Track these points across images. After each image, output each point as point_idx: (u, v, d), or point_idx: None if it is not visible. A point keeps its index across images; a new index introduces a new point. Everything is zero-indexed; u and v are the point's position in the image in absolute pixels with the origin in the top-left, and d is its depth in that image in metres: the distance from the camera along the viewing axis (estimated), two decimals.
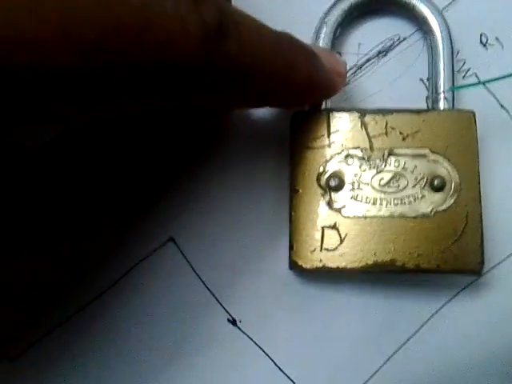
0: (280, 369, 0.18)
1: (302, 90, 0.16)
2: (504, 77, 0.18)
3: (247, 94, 0.14)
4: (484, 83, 0.18)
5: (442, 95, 0.18)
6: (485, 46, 0.19)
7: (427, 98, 0.19)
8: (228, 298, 0.18)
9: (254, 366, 0.18)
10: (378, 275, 0.18)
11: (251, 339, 0.18)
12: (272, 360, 0.18)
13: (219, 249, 0.18)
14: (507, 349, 0.18)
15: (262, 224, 0.18)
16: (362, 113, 0.17)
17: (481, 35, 0.19)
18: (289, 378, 0.18)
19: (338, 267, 0.17)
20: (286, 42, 0.15)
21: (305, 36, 0.18)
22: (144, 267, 0.18)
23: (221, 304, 0.18)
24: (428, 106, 0.19)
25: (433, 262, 0.17)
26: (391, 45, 0.19)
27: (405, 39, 0.19)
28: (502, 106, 0.19)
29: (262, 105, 0.17)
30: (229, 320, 0.18)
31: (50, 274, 0.15)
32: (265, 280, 0.18)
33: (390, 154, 0.17)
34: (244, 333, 0.18)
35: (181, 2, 0.11)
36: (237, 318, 0.18)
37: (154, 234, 0.18)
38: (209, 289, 0.18)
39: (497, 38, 0.19)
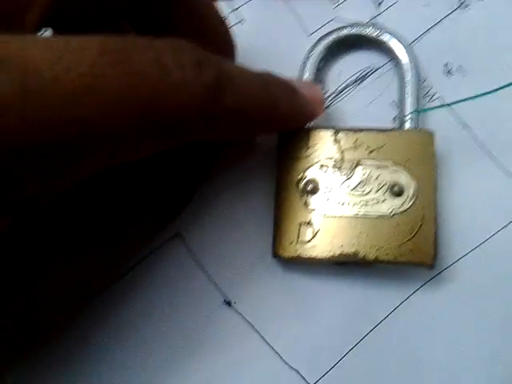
0: (268, 343, 0.21)
1: (287, 120, 0.20)
2: (459, 101, 0.21)
3: (242, 130, 0.18)
4: (441, 106, 0.22)
5: (407, 117, 0.22)
6: (449, 73, 0.23)
7: (395, 118, 0.22)
8: (224, 283, 0.22)
9: (245, 341, 0.21)
10: (352, 268, 0.21)
11: (244, 318, 0.21)
12: (261, 336, 0.21)
13: (218, 241, 0.22)
14: (464, 334, 0.21)
15: (253, 220, 0.22)
16: (336, 130, 0.21)
17: (445, 65, 0.23)
18: (275, 351, 0.21)
19: (310, 257, 0.20)
20: (270, 85, 0.18)
21: (291, 67, 0.22)
22: (153, 258, 0.21)
23: (218, 288, 0.22)
24: (395, 126, 0.22)
25: (390, 254, 0.20)
26: (366, 74, 0.23)
27: (378, 69, 0.23)
28: (463, 125, 0.22)
29: (254, 135, 0.21)
30: (225, 301, 0.22)
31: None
32: (254, 267, 0.22)
33: (358, 164, 0.21)
34: (238, 312, 0.21)
35: (187, 71, 0.14)
36: (232, 300, 0.22)
37: (164, 230, 0.21)
38: (208, 275, 0.22)
39: (459, 67, 0.23)
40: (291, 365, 0.21)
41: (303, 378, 0.21)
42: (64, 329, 0.19)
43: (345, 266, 0.21)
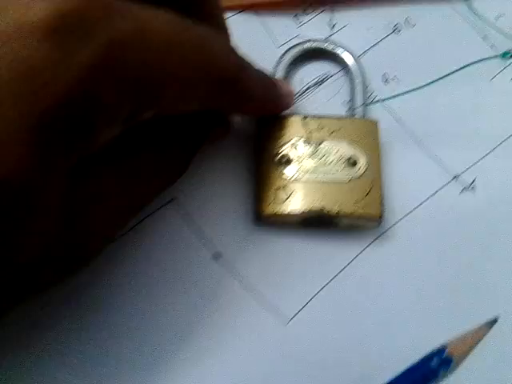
0: (246, 288, 0.25)
1: (273, 106, 0.26)
2: (394, 96, 0.27)
3: (248, 106, 0.24)
4: (382, 101, 0.28)
5: (356, 110, 0.28)
6: (386, 81, 0.29)
7: (346, 112, 0.28)
8: (212, 239, 0.25)
9: (227, 288, 0.25)
10: (316, 230, 0.26)
11: (228, 269, 0.25)
12: (241, 281, 0.25)
13: (209, 203, 0.26)
14: (408, 287, 0.26)
15: (238, 188, 0.26)
16: (304, 116, 0.27)
17: (383, 74, 0.29)
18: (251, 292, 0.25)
19: (285, 213, 0.25)
20: (267, 78, 0.24)
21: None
22: (149, 221, 0.25)
23: (206, 244, 0.25)
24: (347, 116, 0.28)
25: (348, 210, 0.25)
26: (324, 79, 0.29)
27: (333, 76, 0.29)
28: (397, 119, 0.29)
29: (248, 114, 0.27)
30: (213, 256, 0.25)
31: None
32: (240, 226, 0.26)
33: (322, 142, 0.26)
34: (223, 266, 0.25)
35: (227, 48, 0.21)
36: (218, 254, 0.25)
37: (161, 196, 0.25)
38: (197, 233, 0.25)
39: (394, 76, 0.29)
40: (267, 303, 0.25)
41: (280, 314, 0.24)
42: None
43: (310, 226, 0.26)
